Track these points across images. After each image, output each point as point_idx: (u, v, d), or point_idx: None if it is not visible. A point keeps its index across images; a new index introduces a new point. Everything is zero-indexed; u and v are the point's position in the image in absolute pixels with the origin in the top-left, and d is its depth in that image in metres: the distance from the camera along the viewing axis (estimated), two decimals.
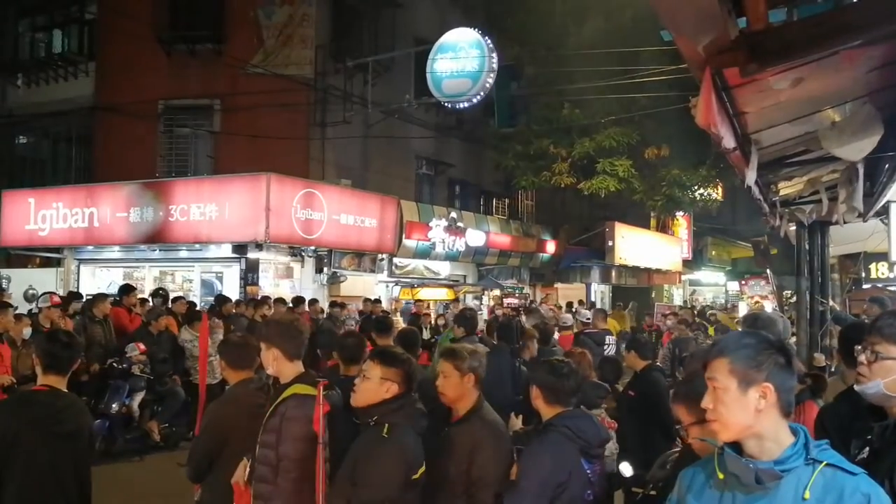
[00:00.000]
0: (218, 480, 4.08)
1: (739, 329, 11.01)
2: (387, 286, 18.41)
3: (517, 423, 5.15)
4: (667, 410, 6.02)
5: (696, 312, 19.18)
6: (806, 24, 2.71)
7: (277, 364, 3.74)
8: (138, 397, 9.76)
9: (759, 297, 23.56)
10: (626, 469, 4.93)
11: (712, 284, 36.66)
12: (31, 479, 3.54)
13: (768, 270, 19.52)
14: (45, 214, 15.87)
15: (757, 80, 2.98)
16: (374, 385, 3.45)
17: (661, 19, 2.52)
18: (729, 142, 3.24)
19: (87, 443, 3.88)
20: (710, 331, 13.25)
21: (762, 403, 2.05)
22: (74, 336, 4.09)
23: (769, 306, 21.78)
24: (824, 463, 2.02)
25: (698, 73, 2.86)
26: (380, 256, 16.88)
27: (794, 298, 9.20)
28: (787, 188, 6.28)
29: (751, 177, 4.00)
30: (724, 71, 2.85)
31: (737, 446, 2.09)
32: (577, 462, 3.40)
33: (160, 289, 13.12)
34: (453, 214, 18.54)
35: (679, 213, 27.74)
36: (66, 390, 3.81)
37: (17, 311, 9.34)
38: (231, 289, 14.40)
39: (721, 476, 2.13)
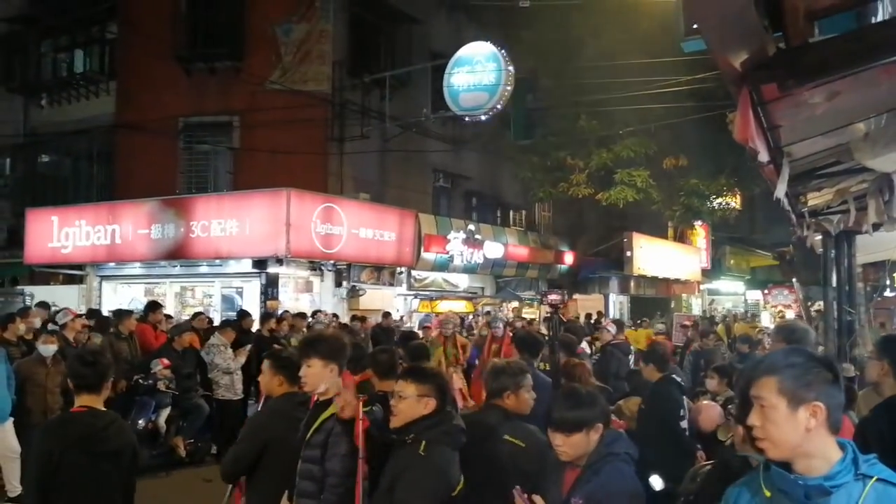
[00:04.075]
0: (257, 492, 4.14)
1: (768, 339, 10.95)
2: (405, 299, 18.45)
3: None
4: (677, 423, 6.03)
5: (713, 321, 19.08)
6: (845, 39, 2.71)
7: (331, 380, 3.78)
8: (164, 413, 9.79)
9: (782, 306, 23.43)
10: (657, 482, 4.90)
11: (731, 294, 36.43)
12: (78, 500, 3.56)
13: (794, 280, 19.39)
14: (68, 232, 16.06)
15: (793, 94, 2.99)
16: (412, 403, 3.44)
17: (701, 35, 2.54)
18: (764, 156, 3.25)
19: (131, 460, 3.88)
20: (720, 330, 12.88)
21: (812, 422, 2.02)
22: (101, 354, 4.09)
23: (791, 316, 21.63)
24: (875, 478, 1.99)
25: (735, 89, 2.87)
26: (398, 270, 16.93)
27: (819, 307, 9.16)
28: (815, 199, 6.26)
29: (781, 189, 3.99)
30: (761, 86, 2.86)
31: (784, 463, 2.07)
32: None
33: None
34: (471, 227, 18.58)
35: (697, 223, 27.63)
36: (104, 409, 3.82)
37: (50, 328, 9.44)
38: (251, 303, 14.47)
39: (768, 494, 2.11)
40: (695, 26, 5.11)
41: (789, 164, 4.09)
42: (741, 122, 2.83)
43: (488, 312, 17.39)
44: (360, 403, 3.49)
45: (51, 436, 3.73)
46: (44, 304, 11.92)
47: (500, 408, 4.18)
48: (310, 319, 12.89)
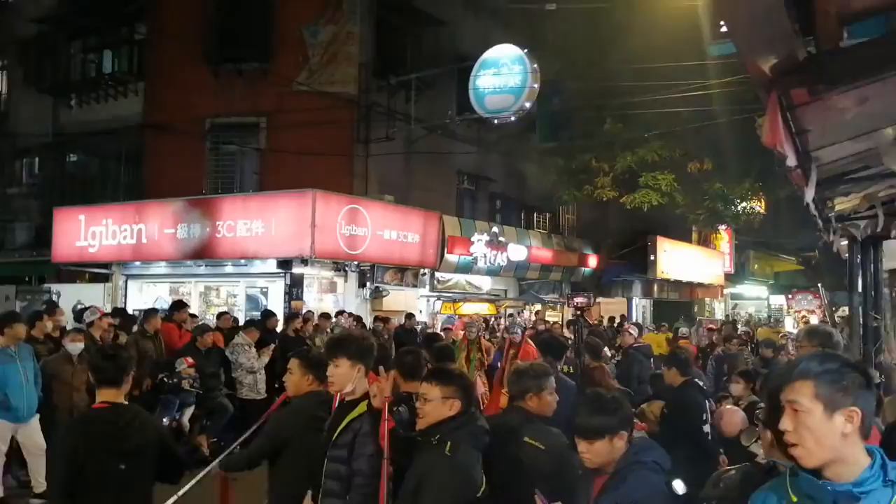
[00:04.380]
0: (279, 490, 4.18)
1: (792, 344, 10.85)
2: (428, 300, 18.48)
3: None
4: (699, 427, 6.00)
5: (736, 326, 18.91)
6: (876, 44, 2.69)
7: (359, 381, 3.81)
8: (188, 412, 9.91)
9: (805, 311, 23.20)
10: (679, 486, 4.88)
11: (754, 298, 36.19)
12: (102, 497, 3.58)
13: (819, 285, 19.20)
14: (95, 231, 16.22)
15: (822, 99, 2.98)
16: (437, 405, 3.46)
17: (730, 38, 2.54)
18: (792, 160, 3.23)
19: (159, 454, 3.87)
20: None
21: (849, 428, 2.00)
22: (121, 348, 4.12)
23: (815, 321, 21.41)
24: None
25: (764, 93, 2.87)
26: (422, 271, 16.97)
27: (844, 313, 9.07)
28: (842, 204, 6.19)
29: (809, 194, 3.96)
30: (790, 91, 2.85)
31: (812, 468, 2.05)
32: None
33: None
34: (495, 229, 18.57)
35: (721, 227, 27.44)
36: (126, 403, 3.85)
37: (76, 327, 9.57)
38: (276, 304, 14.57)
39: (794, 499, 2.10)
40: (723, 30, 5.10)
41: (817, 169, 4.05)
42: (770, 126, 2.82)
43: (511, 315, 17.42)
44: (386, 404, 3.52)
45: (74, 434, 3.76)
46: (52, 304, 12.10)
47: (523, 410, 4.21)
48: (332, 320, 12.97)
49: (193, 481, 4.43)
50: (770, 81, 2.73)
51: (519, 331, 10.51)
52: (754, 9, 2.38)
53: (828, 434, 2.01)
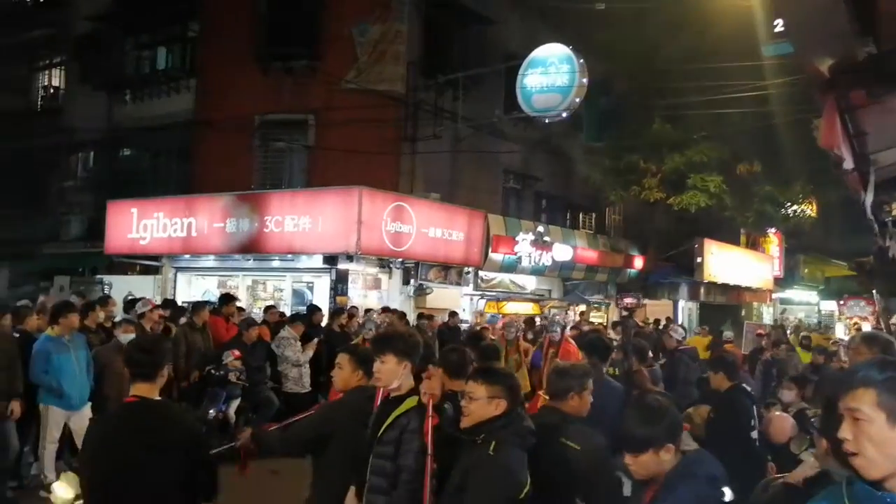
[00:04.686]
0: (323, 483, 4.22)
1: (844, 351, 10.61)
2: (472, 299, 18.48)
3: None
4: (747, 433, 5.89)
5: (787, 332, 18.57)
6: None
7: (405, 377, 3.84)
8: (234, 404, 10.02)
9: (858, 318, 22.67)
10: (727, 493, 4.81)
11: (804, 304, 35.43)
12: (117, 491, 3.46)
13: (874, 292, 18.74)
14: (147, 224, 16.53)
15: (881, 101, 2.91)
16: (482, 404, 3.45)
17: (788, 38, 2.49)
18: (849, 163, 3.17)
19: (186, 452, 3.59)
20: (805, 356, 12.51)
21: None
22: (159, 342, 3.94)
23: (868, 327, 20.92)
24: None
25: (821, 94, 2.81)
26: (466, 269, 16.96)
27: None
28: None
29: (868, 198, 3.88)
30: (848, 92, 2.79)
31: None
32: None
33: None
34: (540, 229, 18.48)
35: (770, 230, 26.95)
36: (158, 398, 3.68)
37: (125, 318, 9.77)
38: (321, 299, 14.69)
39: None
40: (778, 29, 5.01)
41: (875, 172, 3.96)
42: (826, 128, 2.77)
43: (548, 315, 17.27)
44: (430, 401, 3.53)
45: (101, 426, 3.75)
46: (104, 295, 12.34)
47: (559, 410, 4.21)
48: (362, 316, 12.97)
49: (221, 448, 4.42)
50: (828, 82, 2.68)
51: (558, 329, 10.39)
52: (812, 8, 2.34)
53: (891, 444, 1.93)
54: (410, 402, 3.72)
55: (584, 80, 15.82)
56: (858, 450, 1.97)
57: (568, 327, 9.17)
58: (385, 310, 13.62)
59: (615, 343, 9.88)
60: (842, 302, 27.55)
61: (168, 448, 3.51)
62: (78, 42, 22.13)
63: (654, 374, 8.64)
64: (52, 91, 24.19)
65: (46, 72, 24.57)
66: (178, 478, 3.52)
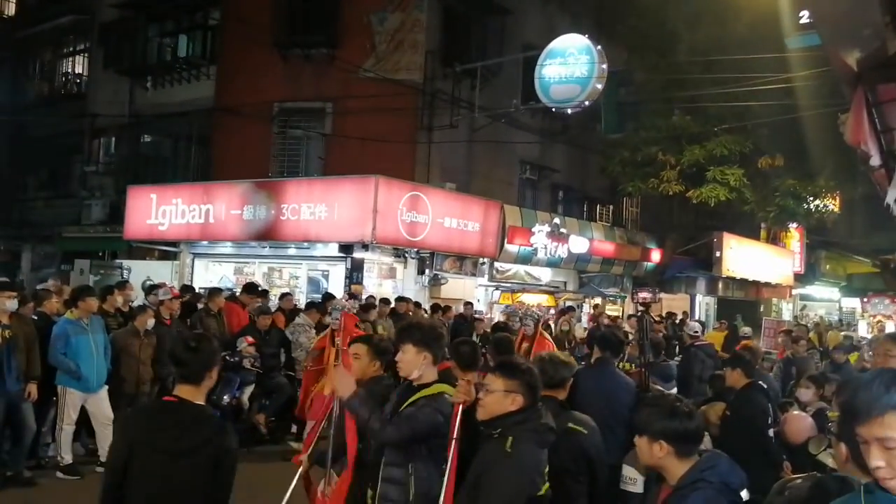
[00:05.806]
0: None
1: (868, 350, 10.40)
2: (486, 290, 18.45)
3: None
4: (764, 432, 5.82)
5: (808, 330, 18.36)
6: None
7: (426, 367, 3.86)
8: (248, 390, 10.06)
9: (881, 316, 22.43)
10: (743, 493, 4.76)
11: (825, 300, 35.10)
12: (148, 494, 3.31)
13: None
14: (165, 210, 16.65)
15: None
16: (498, 397, 3.41)
17: (816, 29, 2.43)
18: (876, 160, 3.10)
19: (212, 461, 3.35)
20: (853, 358, 11.78)
21: None
22: (205, 340, 3.62)
23: (891, 326, 20.72)
24: None
25: (849, 88, 2.75)
26: (481, 260, 16.92)
27: None
28: None
29: (892, 194, 3.81)
30: (877, 86, 2.73)
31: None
32: None
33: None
34: (556, 220, 18.39)
35: (792, 225, 26.68)
36: (197, 403, 3.41)
37: (142, 304, 9.82)
38: (336, 287, 14.73)
39: None
40: (803, 21, 4.91)
41: None
42: (854, 123, 2.71)
43: (568, 309, 17.08)
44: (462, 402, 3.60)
45: (134, 423, 3.59)
46: (122, 280, 12.40)
47: (556, 400, 4.30)
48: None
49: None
50: (856, 76, 2.62)
51: (531, 323, 9.82)
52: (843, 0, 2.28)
53: None
54: (439, 388, 3.79)
55: (605, 66, 15.66)
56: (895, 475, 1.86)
57: (541, 322, 8.73)
58: (400, 299, 13.61)
59: (631, 337, 9.79)
60: (865, 299, 27.26)
61: (196, 452, 3.31)
62: (101, 29, 22.31)
63: (668, 370, 8.55)
64: (75, 77, 24.31)
65: (70, 58, 24.70)
66: (206, 484, 3.32)
